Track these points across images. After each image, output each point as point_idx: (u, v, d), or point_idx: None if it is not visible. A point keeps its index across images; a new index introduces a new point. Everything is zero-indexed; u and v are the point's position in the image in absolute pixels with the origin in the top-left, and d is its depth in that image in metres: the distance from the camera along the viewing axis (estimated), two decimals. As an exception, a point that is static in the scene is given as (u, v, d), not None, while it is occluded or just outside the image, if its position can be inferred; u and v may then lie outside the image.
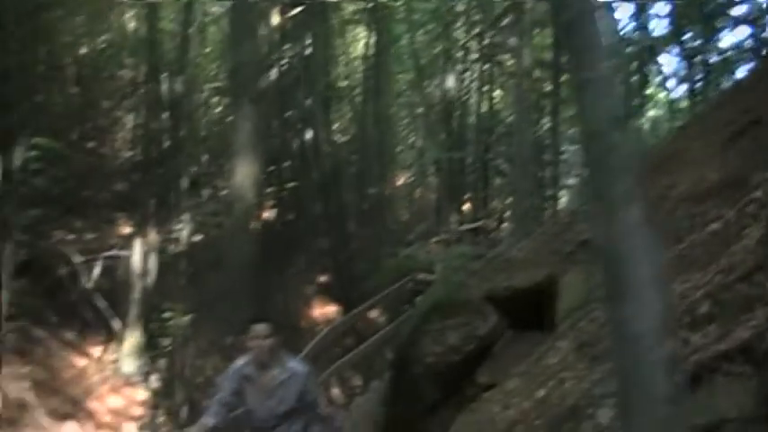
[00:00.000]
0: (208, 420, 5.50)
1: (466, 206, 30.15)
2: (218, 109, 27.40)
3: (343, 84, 29.63)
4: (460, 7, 30.06)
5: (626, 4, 22.96)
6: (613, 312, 3.23)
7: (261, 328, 5.39)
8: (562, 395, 5.15)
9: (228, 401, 5.61)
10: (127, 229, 21.39)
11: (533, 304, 7.79)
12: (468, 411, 7.04)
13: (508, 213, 29.77)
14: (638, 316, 3.05)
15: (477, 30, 29.66)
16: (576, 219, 9.20)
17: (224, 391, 5.61)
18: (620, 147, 3.09)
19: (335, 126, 28.24)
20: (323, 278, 25.51)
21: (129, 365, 17.93)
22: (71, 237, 20.07)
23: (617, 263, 3.15)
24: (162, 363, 18.41)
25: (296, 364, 5.60)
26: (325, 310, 23.79)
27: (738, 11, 19.63)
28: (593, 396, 4.63)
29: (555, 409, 5.02)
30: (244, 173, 16.04)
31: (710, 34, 19.79)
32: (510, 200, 29.32)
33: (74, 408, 15.87)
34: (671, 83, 25.21)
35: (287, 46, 25.10)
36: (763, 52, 18.26)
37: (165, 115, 21.17)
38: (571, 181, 33.63)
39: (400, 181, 32.63)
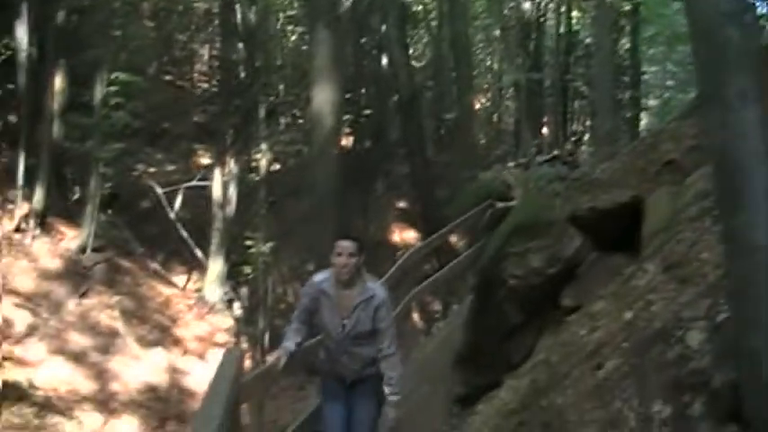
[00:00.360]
0: (288, 345, 5.49)
1: (545, 129, 29.77)
2: (294, 37, 27.32)
3: (419, 7, 29.23)
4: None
5: None
6: (726, 222, 3.06)
7: (346, 244, 5.29)
8: (650, 317, 5.00)
9: (303, 322, 5.57)
10: (206, 160, 21.68)
11: (618, 226, 7.58)
12: (552, 334, 6.95)
13: (588, 136, 29.30)
14: (755, 226, 2.85)
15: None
16: (661, 139, 8.91)
17: (300, 309, 5.59)
18: (734, 43, 2.86)
19: (412, 51, 27.93)
20: (402, 204, 25.56)
21: (213, 293, 18.31)
22: (153, 169, 20.44)
23: (731, 169, 2.93)
24: (244, 290, 18.75)
25: (376, 287, 5.52)
26: (404, 236, 23.87)
27: None
28: (682, 319, 4.48)
29: (642, 331, 4.88)
30: (322, 99, 15.94)
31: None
32: (590, 122, 28.85)
33: (161, 335, 16.33)
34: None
35: (361, -30, 24.77)
36: None
37: (241, 45, 21.18)
38: (652, 102, 32.88)
39: (478, 105, 32.22)
